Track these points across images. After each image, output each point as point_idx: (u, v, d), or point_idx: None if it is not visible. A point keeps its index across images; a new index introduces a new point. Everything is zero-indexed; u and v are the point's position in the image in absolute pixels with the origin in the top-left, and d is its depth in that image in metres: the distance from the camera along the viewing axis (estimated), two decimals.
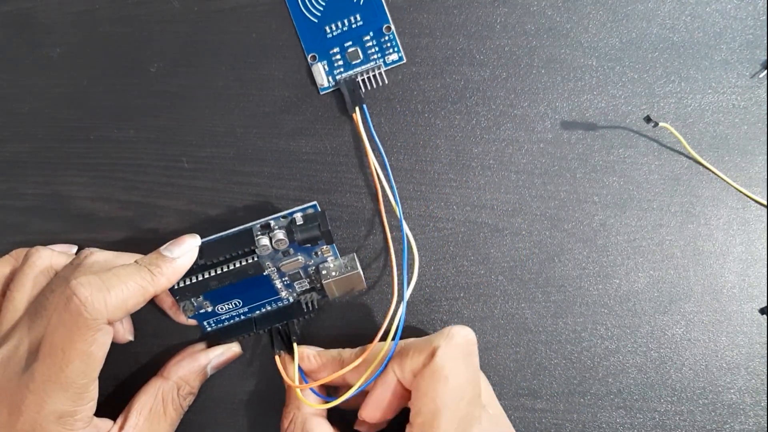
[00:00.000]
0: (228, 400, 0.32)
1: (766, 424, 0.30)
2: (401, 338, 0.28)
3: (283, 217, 0.29)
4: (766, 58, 0.32)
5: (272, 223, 0.29)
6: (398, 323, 0.28)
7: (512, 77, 0.32)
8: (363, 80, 0.32)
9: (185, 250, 0.27)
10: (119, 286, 0.25)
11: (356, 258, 0.31)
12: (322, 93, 0.32)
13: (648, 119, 0.31)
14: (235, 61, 0.33)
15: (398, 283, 0.30)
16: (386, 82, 0.32)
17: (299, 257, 0.29)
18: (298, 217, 0.28)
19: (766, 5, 0.32)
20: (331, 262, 0.30)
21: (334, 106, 0.32)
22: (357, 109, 0.32)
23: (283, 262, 0.30)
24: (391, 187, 0.31)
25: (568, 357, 0.31)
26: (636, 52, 0.32)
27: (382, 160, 0.32)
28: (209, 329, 0.31)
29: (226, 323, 0.31)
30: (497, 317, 0.32)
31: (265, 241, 0.28)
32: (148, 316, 0.31)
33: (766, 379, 0.30)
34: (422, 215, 0.32)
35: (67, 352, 0.24)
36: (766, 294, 0.31)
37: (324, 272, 0.30)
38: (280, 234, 0.28)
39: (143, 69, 0.33)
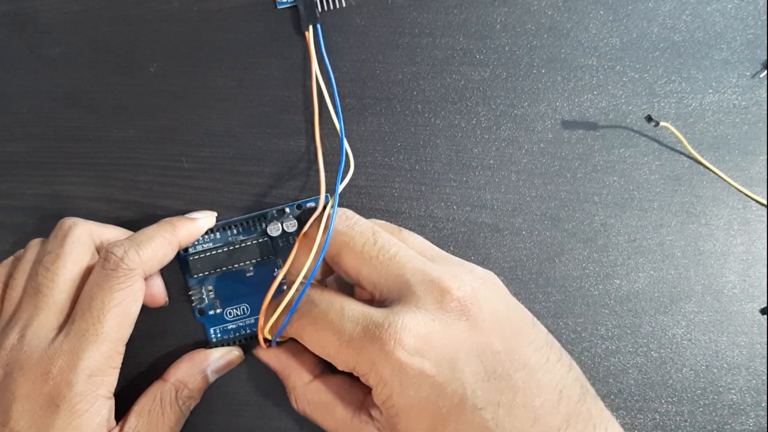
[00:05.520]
0: (228, 401, 0.31)
1: (766, 425, 0.30)
2: None
3: (298, 206, 0.31)
4: (766, 57, 0.32)
5: (287, 210, 0.31)
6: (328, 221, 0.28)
7: (512, 77, 0.32)
8: (321, 1, 0.32)
9: (204, 215, 0.31)
10: (147, 241, 0.28)
11: None
12: (279, 7, 0.32)
13: (649, 119, 0.31)
14: (234, 61, 0.33)
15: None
16: (344, 5, 0.32)
17: None
18: (311, 205, 0.31)
19: (766, 5, 0.32)
20: None
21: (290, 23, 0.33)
22: (310, 27, 0.31)
23: None
24: (335, 106, 0.31)
25: None
26: (636, 51, 0.32)
27: (330, 82, 0.31)
28: (214, 339, 0.31)
29: (233, 335, 0.31)
30: None
31: (276, 223, 0.31)
32: (148, 319, 0.31)
33: (766, 380, 0.30)
34: (422, 215, 0.32)
35: (106, 302, 0.26)
36: (766, 294, 0.31)
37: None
38: (291, 219, 0.31)
39: (143, 69, 0.33)
